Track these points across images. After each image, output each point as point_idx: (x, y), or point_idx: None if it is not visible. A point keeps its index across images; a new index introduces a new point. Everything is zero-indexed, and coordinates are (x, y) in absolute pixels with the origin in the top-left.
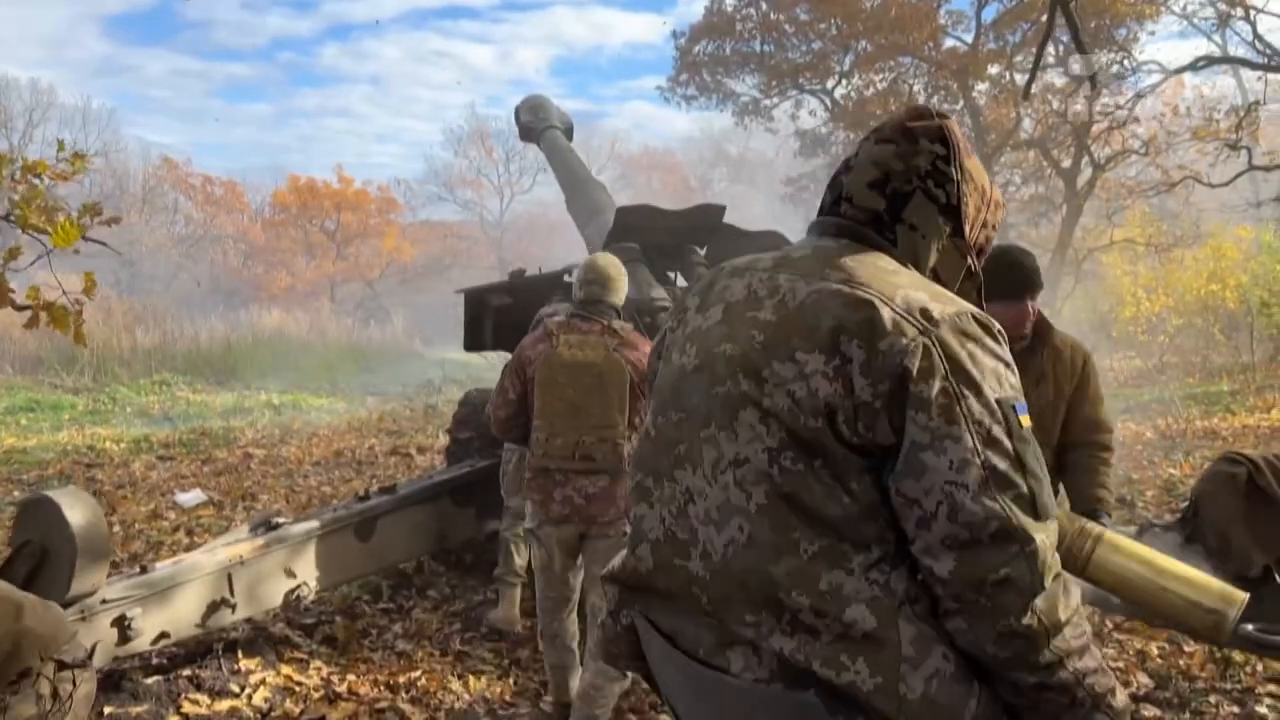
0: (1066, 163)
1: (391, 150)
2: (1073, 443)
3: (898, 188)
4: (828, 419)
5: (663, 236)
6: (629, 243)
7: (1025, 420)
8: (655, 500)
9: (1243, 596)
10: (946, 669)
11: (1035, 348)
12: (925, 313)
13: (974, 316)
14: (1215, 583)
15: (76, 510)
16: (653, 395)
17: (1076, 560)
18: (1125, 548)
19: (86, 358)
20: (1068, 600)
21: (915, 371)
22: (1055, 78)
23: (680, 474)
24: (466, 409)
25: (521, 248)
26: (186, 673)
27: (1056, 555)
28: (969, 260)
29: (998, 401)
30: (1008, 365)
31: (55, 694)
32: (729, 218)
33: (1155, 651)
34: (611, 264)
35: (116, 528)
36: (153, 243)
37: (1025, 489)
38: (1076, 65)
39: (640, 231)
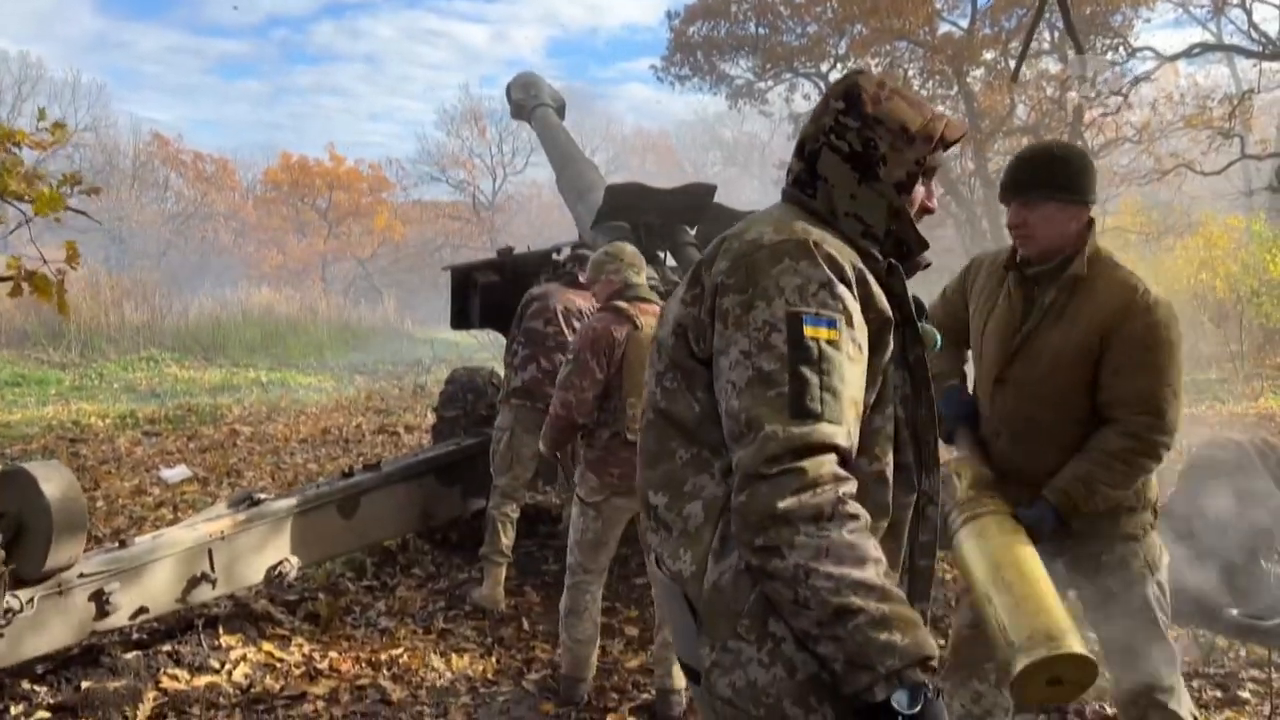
0: None
1: (385, 129)
2: (1103, 416)
3: (811, 148)
4: (682, 338)
5: (653, 215)
6: (618, 221)
7: (819, 331)
8: (639, 414)
9: (1056, 656)
10: (739, 565)
11: (1057, 275)
12: (756, 241)
13: (799, 241)
14: (1046, 628)
15: (53, 483)
16: None
17: (948, 529)
18: (990, 540)
19: (74, 333)
20: (807, 498)
21: (723, 287)
22: (1050, 64)
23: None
24: (453, 387)
25: (514, 228)
26: (166, 648)
27: (818, 462)
28: (890, 198)
29: (787, 314)
30: (824, 285)
31: None
32: (720, 200)
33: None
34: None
35: (100, 503)
36: (143, 219)
37: (786, 389)
38: (1072, 65)
39: (630, 210)
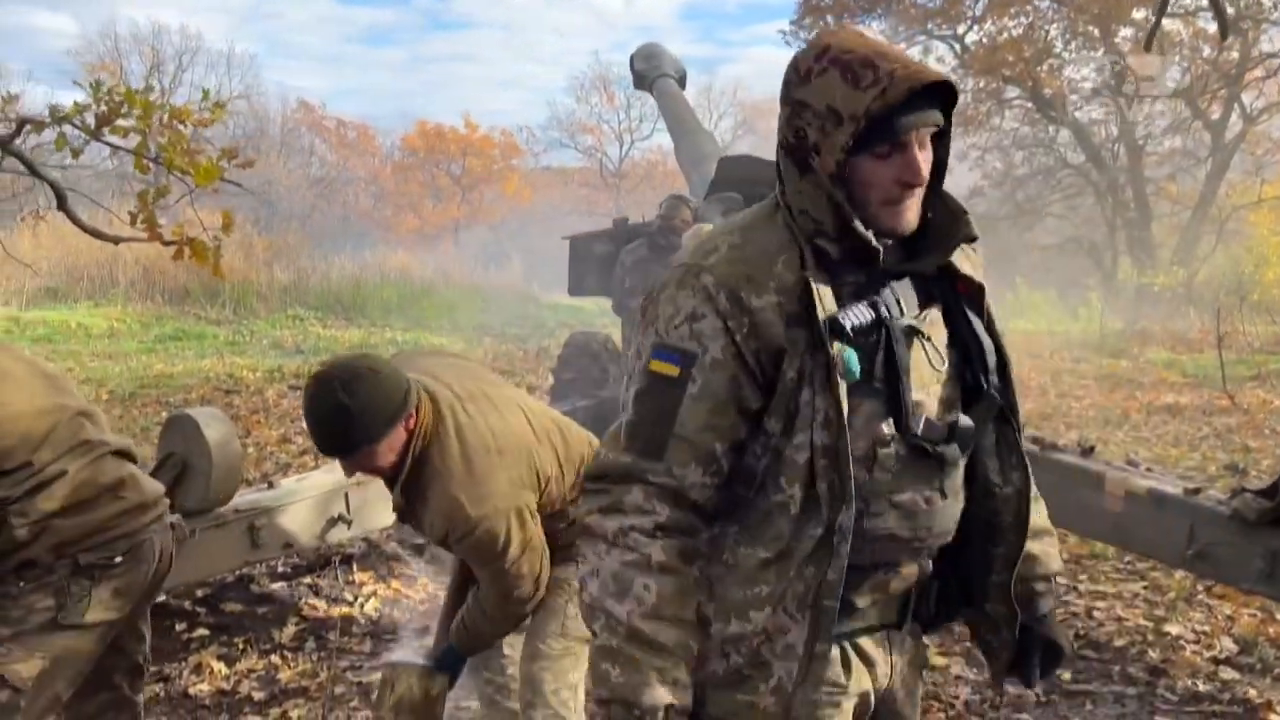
0: (1215, 114)
1: (517, 96)
2: None
3: (779, 146)
4: None
5: (765, 187)
6: (731, 192)
7: (662, 367)
8: None
9: None
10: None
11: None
12: (672, 263)
13: (686, 267)
14: None
15: (213, 428)
16: None
17: None
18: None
19: (228, 292)
20: (597, 519)
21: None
22: (1206, 23)
23: None
24: (570, 350)
25: (640, 194)
26: (307, 581)
27: (622, 490)
28: (827, 191)
29: (652, 344)
30: (689, 317)
31: (67, 593)
32: None
33: (1245, 618)
34: None
35: (250, 449)
36: (290, 183)
37: (624, 418)
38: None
39: (742, 181)
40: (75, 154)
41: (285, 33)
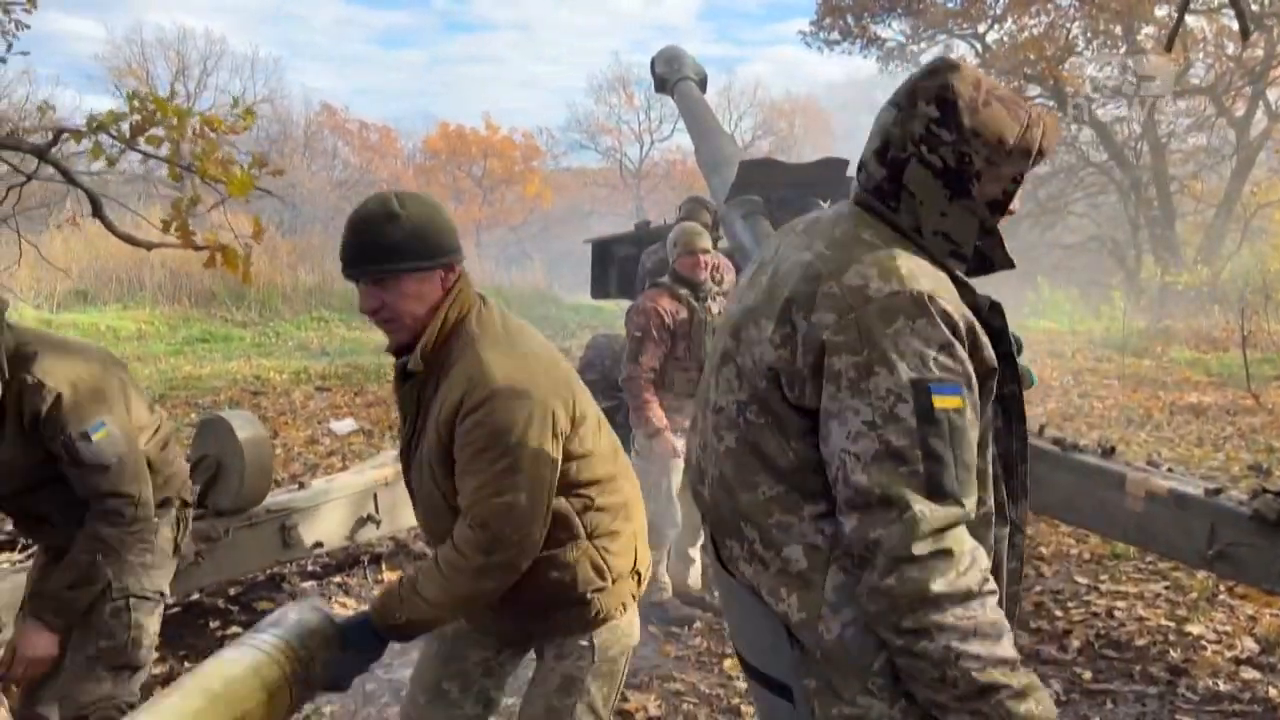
0: (1240, 111)
1: (535, 97)
2: None
3: (895, 155)
4: (773, 382)
5: (784, 190)
6: (751, 195)
7: (947, 401)
8: (699, 431)
9: None
10: (861, 620)
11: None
12: (861, 291)
13: (914, 296)
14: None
15: (246, 430)
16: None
17: None
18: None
19: (254, 294)
20: (955, 579)
21: (831, 346)
22: (1229, 20)
23: (704, 410)
24: (592, 352)
25: (659, 195)
26: (337, 579)
27: (960, 539)
28: (982, 216)
29: (911, 381)
30: (944, 347)
31: (179, 524)
32: (853, 173)
33: (1268, 618)
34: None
35: (278, 450)
36: (314, 186)
37: (920, 469)
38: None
39: (762, 185)
40: (111, 162)
41: (307, 35)
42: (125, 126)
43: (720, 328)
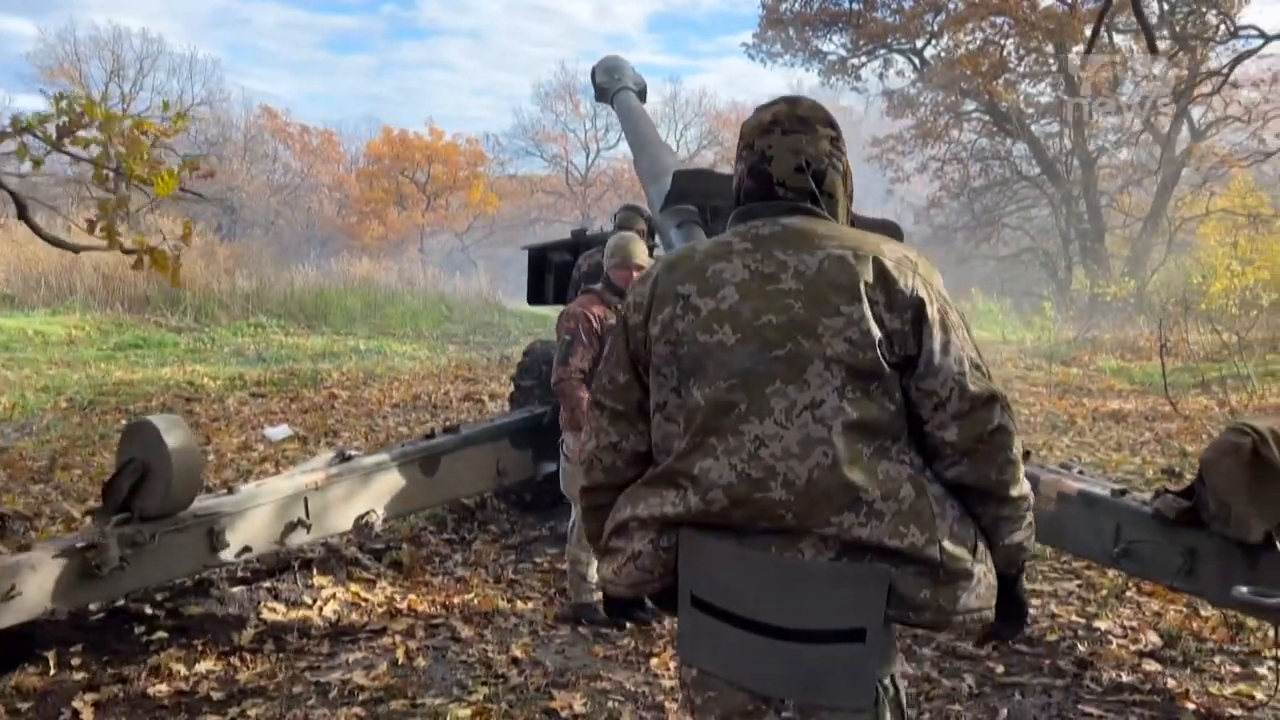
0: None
1: (488, 104)
2: None
3: (816, 168)
4: (876, 348)
5: (719, 200)
6: (686, 205)
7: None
8: (721, 453)
9: None
10: (955, 513)
11: None
12: (906, 259)
13: (923, 256)
14: None
15: (173, 434)
16: (677, 370)
17: None
18: None
19: (189, 299)
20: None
21: (925, 300)
22: (1158, 39)
23: (746, 427)
24: (529, 358)
25: (606, 203)
26: (267, 585)
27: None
28: (850, 207)
29: (960, 313)
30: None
31: None
32: None
33: (1172, 614)
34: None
35: (211, 456)
36: (253, 189)
37: (986, 368)
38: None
39: (697, 195)
40: (36, 164)
41: (253, 38)
42: (51, 128)
43: (755, 349)
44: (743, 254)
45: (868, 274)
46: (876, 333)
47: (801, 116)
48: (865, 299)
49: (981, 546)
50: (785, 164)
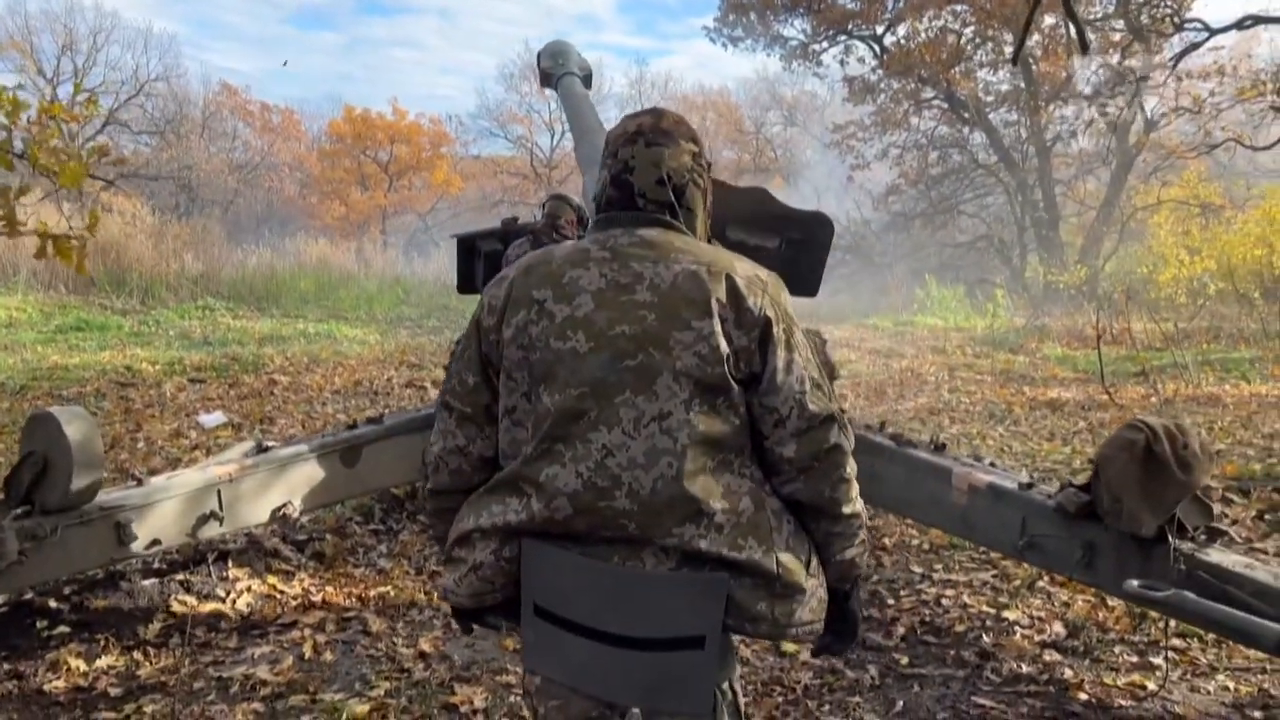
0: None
1: (456, 83)
2: None
3: (676, 182)
4: (724, 364)
5: None
6: None
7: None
8: (568, 460)
9: None
10: (791, 528)
11: None
12: (757, 278)
13: (774, 275)
14: None
15: (74, 426)
16: (529, 375)
17: None
18: None
19: (135, 280)
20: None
21: (772, 319)
22: (1113, 30)
23: (594, 435)
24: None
25: (570, 185)
26: (180, 577)
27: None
28: (711, 221)
29: (805, 331)
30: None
31: None
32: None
33: (1080, 603)
34: None
35: (140, 444)
36: (211, 168)
37: (827, 387)
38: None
39: None
40: None
41: (216, 12)
42: None
43: (607, 358)
44: (600, 262)
45: (720, 291)
46: (725, 349)
47: (665, 130)
48: (716, 315)
49: (815, 561)
50: (647, 176)
